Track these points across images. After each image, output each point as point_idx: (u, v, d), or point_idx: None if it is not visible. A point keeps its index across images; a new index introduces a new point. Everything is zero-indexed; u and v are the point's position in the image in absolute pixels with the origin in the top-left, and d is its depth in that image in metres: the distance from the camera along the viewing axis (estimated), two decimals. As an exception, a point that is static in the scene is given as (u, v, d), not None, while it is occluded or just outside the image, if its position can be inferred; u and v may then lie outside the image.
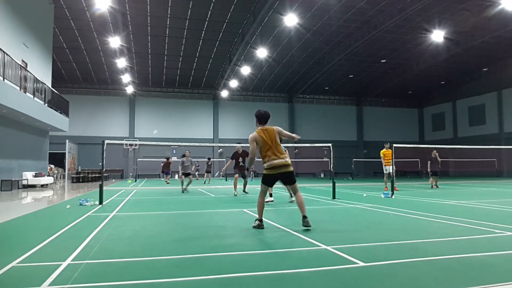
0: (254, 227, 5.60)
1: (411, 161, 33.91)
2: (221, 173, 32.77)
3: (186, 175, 14.61)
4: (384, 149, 14.44)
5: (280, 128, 5.77)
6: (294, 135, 6.03)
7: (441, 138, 39.90)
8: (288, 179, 5.62)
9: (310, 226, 5.32)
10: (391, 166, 12.38)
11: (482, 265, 3.48)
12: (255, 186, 18.71)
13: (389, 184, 12.80)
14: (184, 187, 14.41)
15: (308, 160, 36.46)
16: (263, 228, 5.52)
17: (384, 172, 14.53)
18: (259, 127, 5.75)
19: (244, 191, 12.68)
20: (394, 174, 12.05)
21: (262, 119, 5.79)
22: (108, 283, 2.96)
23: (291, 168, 5.63)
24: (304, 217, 5.40)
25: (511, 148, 18.63)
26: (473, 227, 5.59)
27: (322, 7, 22.70)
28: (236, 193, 12.31)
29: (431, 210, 7.69)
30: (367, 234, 5.14)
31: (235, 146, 12.89)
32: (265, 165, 5.60)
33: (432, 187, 16.11)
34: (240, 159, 12.45)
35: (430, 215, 6.98)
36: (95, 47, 28.01)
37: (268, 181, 5.67)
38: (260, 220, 5.61)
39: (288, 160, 5.63)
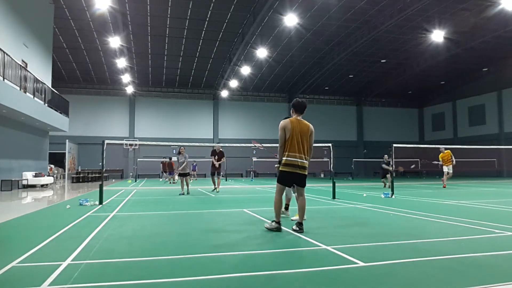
0: (268, 228, 5.15)
1: (411, 161, 33.81)
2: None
3: (184, 175, 13.52)
4: (442, 153, 15.68)
5: (313, 132, 5.28)
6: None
7: (441, 138, 39.87)
8: (300, 181, 5.19)
9: (302, 232, 5.04)
10: (450, 166, 15.23)
11: (482, 265, 3.48)
12: (254, 186, 18.71)
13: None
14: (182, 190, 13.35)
15: (308, 160, 36.35)
16: (280, 231, 5.08)
17: (444, 171, 15.56)
18: (294, 116, 5.27)
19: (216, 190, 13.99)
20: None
21: (298, 107, 5.29)
22: (108, 283, 2.96)
23: (306, 172, 5.20)
24: (300, 223, 5.10)
25: (511, 148, 18.61)
26: (473, 227, 5.59)
27: (322, 7, 22.71)
28: (215, 188, 14.10)
29: (431, 210, 7.69)
30: (367, 234, 5.13)
31: (213, 146, 15.11)
32: (284, 159, 5.08)
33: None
34: (216, 157, 14.02)
35: (430, 215, 6.98)
36: (95, 47, 28.01)
37: (285, 180, 5.14)
38: (278, 222, 5.07)
39: (307, 163, 5.19)
